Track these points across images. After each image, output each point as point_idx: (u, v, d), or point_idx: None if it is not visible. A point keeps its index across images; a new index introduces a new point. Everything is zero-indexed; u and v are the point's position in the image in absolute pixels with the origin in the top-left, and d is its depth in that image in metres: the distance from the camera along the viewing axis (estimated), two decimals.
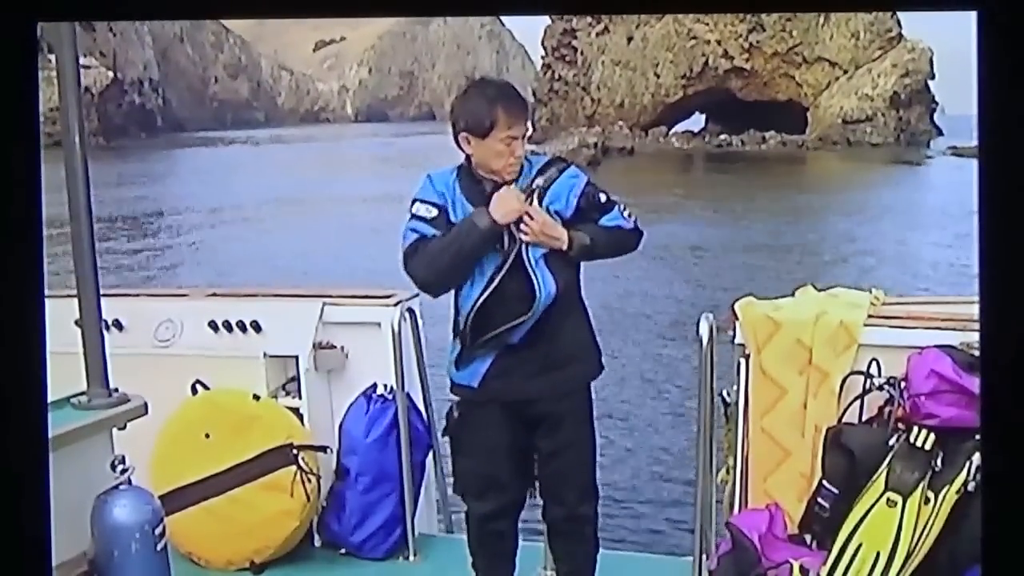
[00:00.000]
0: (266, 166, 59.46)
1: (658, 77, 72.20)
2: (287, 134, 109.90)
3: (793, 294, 4.48)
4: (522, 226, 3.69)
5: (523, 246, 3.71)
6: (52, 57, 3.41)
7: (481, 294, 3.72)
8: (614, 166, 49.44)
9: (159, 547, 3.61)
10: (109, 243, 24.53)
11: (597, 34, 74.39)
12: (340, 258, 21.69)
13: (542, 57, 79.75)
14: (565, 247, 3.72)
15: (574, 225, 3.78)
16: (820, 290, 4.51)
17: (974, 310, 2.43)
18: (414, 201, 3.82)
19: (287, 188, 41.51)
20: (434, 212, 3.76)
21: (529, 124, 3.78)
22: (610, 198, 3.88)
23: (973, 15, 1.23)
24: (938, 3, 1.30)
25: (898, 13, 67.58)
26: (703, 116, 76.27)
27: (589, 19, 73.61)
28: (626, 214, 3.87)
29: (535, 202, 3.74)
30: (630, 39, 73.08)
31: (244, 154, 73.67)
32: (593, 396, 4.02)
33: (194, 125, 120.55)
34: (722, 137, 69.64)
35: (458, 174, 3.84)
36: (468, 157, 3.81)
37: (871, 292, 4.35)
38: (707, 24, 69.20)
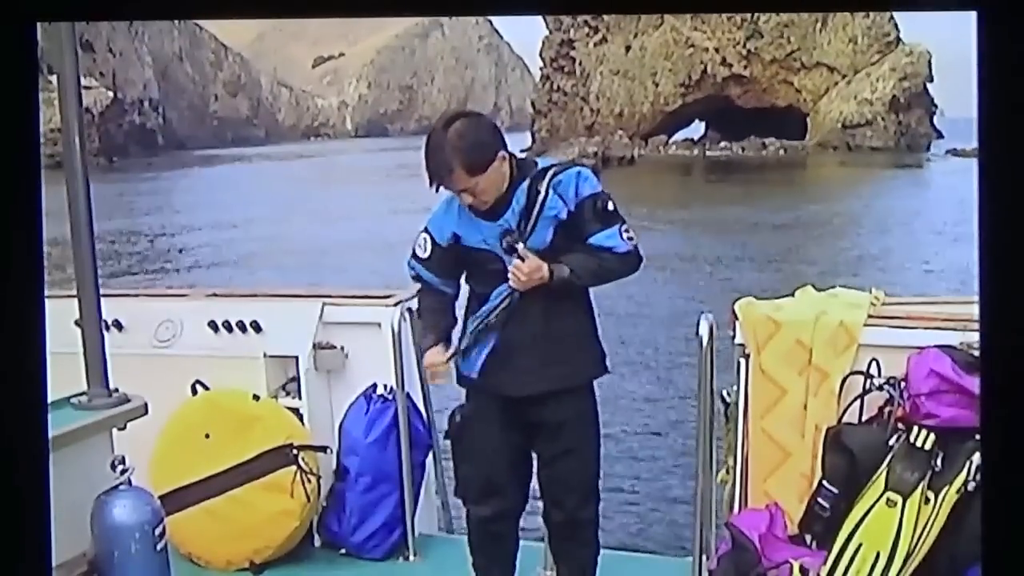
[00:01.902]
0: (267, 183, 59.41)
1: (657, 86, 72.31)
2: (288, 151, 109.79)
3: (793, 294, 4.48)
4: (510, 278, 3.72)
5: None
6: (53, 78, 3.43)
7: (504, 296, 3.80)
8: (614, 175, 49.44)
9: (159, 547, 3.63)
10: (110, 261, 24.48)
11: (595, 44, 74.51)
12: (341, 273, 21.67)
13: (540, 68, 79.85)
14: (547, 280, 3.70)
15: (568, 228, 3.73)
16: (820, 290, 4.51)
17: (974, 310, 2.43)
18: (424, 228, 3.94)
19: (288, 204, 41.47)
20: (428, 249, 3.90)
21: (461, 180, 3.65)
22: (616, 212, 3.78)
23: (973, 15, 1.23)
24: (937, 3, 1.30)
25: (896, 16, 67.85)
26: (703, 124, 76.38)
27: (587, 29, 73.82)
28: (625, 236, 3.77)
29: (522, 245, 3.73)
30: (628, 48, 73.20)
31: (245, 171, 73.60)
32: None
33: (195, 143, 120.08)
34: (722, 144, 69.77)
35: None
36: None
37: (871, 292, 4.35)
38: (705, 32, 69.37)
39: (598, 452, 4.00)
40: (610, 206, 3.76)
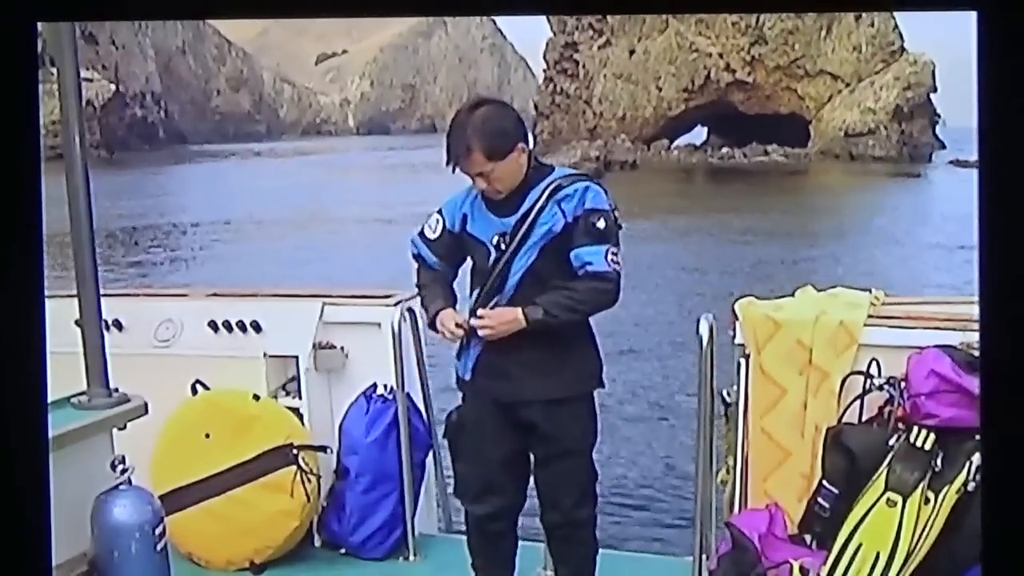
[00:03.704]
0: (268, 179, 59.40)
1: (660, 90, 72.27)
2: (289, 147, 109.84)
3: (793, 294, 4.47)
4: (479, 330, 3.76)
5: (512, 255, 3.75)
6: (54, 70, 3.44)
7: (480, 296, 3.84)
8: (617, 180, 49.36)
9: (159, 547, 3.62)
10: (110, 255, 24.49)
11: (599, 47, 74.48)
12: (341, 270, 21.67)
13: (544, 70, 79.80)
14: (524, 326, 3.70)
15: (560, 242, 3.72)
16: (820, 290, 4.50)
17: (974, 310, 2.43)
18: (439, 209, 3.98)
19: (289, 200, 41.48)
20: (438, 231, 3.94)
21: (478, 163, 3.67)
22: (609, 232, 3.72)
23: (973, 16, 1.23)
24: (937, 3, 1.30)
25: (900, 25, 67.88)
26: (705, 129, 76.35)
27: (591, 32, 73.80)
28: (610, 258, 3.70)
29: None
30: (632, 52, 73.19)
31: (246, 167, 73.61)
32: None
33: (196, 138, 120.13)
34: (724, 150, 69.66)
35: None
36: None
37: (871, 292, 4.35)
38: (709, 37, 69.35)
39: (592, 453, 3.99)
40: (601, 224, 3.70)
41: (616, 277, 3.72)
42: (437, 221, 3.95)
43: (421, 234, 3.99)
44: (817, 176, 57.16)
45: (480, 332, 3.77)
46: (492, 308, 3.78)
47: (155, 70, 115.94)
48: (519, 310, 3.70)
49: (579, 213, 3.71)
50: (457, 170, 3.73)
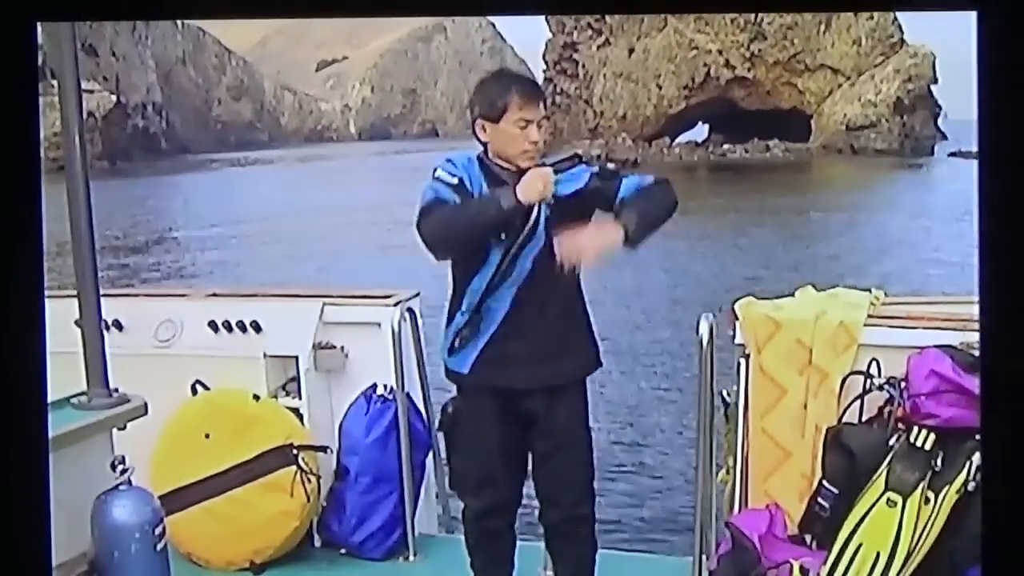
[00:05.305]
0: (270, 186, 59.36)
1: (660, 88, 72.31)
2: (291, 154, 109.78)
3: (793, 294, 4.47)
4: (527, 177, 3.60)
5: (526, 237, 3.68)
6: (54, 82, 3.44)
7: (490, 280, 3.73)
8: None
9: (159, 547, 3.62)
10: (112, 265, 24.48)
11: (598, 47, 74.55)
12: (344, 277, 21.65)
13: (544, 71, 79.80)
14: (621, 242, 3.50)
15: (578, 201, 3.68)
16: (820, 290, 4.50)
17: (974, 310, 2.43)
18: (436, 169, 3.77)
19: (291, 208, 41.47)
20: (455, 180, 3.71)
21: (542, 109, 3.71)
22: (617, 170, 3.80)
23: (973, 15, 1.23)
24: (937, 3, 1.30)
25: (900, 18, 67.89)
26: (706, 126, 76.39)
27: (590, 32, 73.88)
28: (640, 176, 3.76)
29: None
30: (631, 51, 73.23)
31: (248, 175, 73.57)
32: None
33: (198, 147, 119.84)
34: (726, 147, 69.77)
35: (478, 161, 3.79)
36: (485, 148, 3.77)
37: (871, 292, 4.35)
38: (708, 34, 69.38)
39: (591, 449, 3.99)
40: (611, 166, 3.84)
41: (665, 179, 3.77)
42: (451, 175, 3.72)
43: (439, 180, 3.71)
44: (819, 170, 57.19)
45: (566, 255, 3.55)
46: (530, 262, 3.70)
47: (156, 81, 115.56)
48: (613, 229, 3.52)
49: (589, 177, 3.73)
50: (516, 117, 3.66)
